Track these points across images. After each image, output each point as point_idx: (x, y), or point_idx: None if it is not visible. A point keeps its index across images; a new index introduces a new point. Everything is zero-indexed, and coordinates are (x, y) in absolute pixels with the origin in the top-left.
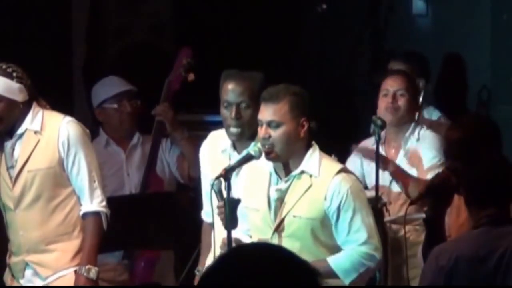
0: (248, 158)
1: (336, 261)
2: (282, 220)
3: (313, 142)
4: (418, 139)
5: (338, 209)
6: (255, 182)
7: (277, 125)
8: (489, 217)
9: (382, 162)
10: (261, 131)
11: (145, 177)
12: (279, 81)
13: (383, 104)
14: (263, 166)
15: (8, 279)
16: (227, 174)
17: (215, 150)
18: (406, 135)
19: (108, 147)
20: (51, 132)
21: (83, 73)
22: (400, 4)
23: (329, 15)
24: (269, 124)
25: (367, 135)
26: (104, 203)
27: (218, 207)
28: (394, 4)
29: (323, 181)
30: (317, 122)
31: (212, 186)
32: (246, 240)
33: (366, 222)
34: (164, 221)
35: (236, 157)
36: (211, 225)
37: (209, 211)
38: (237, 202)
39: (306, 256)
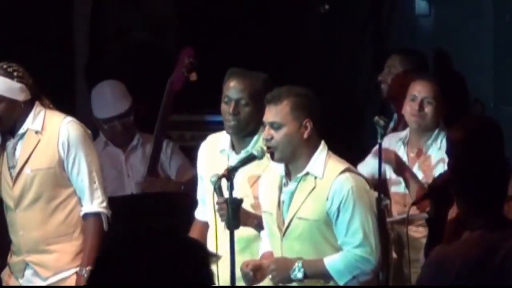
0: (251, 159)
1: (331, 262)
2: (290, 223)
3: (322, 142)
4: (440, 148)
5: (338, 209)
6: (269, 186)
7: (279, 126)
8: (487, 220)
9: (399, 167)
10: (265, 132)
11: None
12: (281, 81)
13: (409, 108)
14: (276, 170)
15: (5, 277)
16: (230, 174)
17: (214, 150)
18: (428, 142)
19: (106, 149)
20: (51, 132)
21: (85, 73)
22: (402, 4)
23: (332, 15)
24: (271, 125)
25: (369, 134)
26: (104, 204)
27: (218, 203)
28: (397, 4)
29: (326, 182)
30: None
31: (213, 183)
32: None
33: (364, 224)
34: (165, 222)
35: (234, 157)
36: (203, 223)
37: (202, 210)
38: (239, 202)
39: (317, 258)
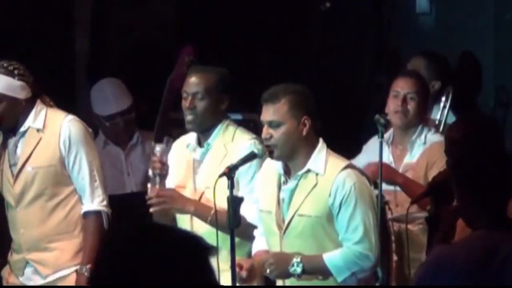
0: (251, 157)
1: (330, 258)
2: (290, 220)
3: (321, 140)
4: (424, 143)
5: (340, 205)
6: (267, 184)
7: (277, 125)
8: (488, 220)
9: (390, 177)
10: (263, 132)
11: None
12: (281, 80)
13: (392, 105)
14: (274, 168)
15: (5, 275)
16: (230, 172)
17: (182, 147)
18: (412, 138)
19: (106, 147)
20: (52, 130)
21: (86, 71)
22: (403, 2)
23: (333, 14)
24: (270, 124)
25: (370, 132)
26: (105, 202)
27: (153, 161)
28: (398, 2)
29: (328, 178)
30: (320, 120)
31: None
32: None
33: (365, 220)
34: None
35: (199, 151)
36: None
37: None
38: (240, 200)
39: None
